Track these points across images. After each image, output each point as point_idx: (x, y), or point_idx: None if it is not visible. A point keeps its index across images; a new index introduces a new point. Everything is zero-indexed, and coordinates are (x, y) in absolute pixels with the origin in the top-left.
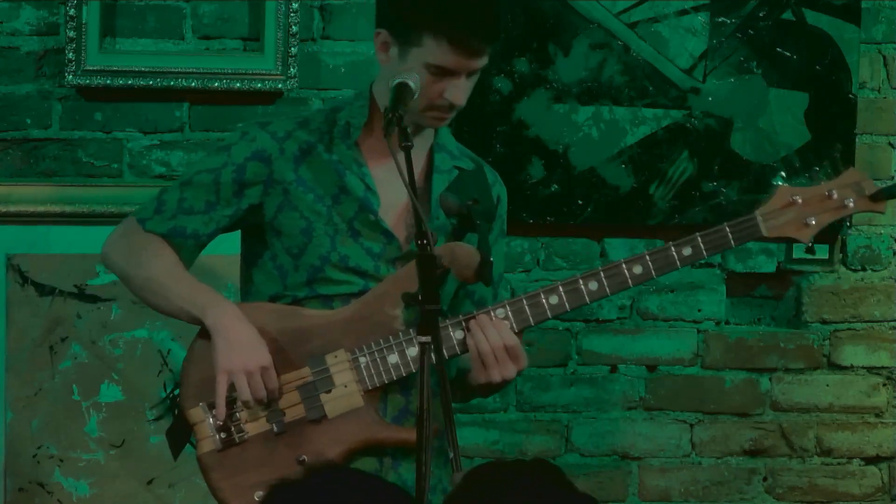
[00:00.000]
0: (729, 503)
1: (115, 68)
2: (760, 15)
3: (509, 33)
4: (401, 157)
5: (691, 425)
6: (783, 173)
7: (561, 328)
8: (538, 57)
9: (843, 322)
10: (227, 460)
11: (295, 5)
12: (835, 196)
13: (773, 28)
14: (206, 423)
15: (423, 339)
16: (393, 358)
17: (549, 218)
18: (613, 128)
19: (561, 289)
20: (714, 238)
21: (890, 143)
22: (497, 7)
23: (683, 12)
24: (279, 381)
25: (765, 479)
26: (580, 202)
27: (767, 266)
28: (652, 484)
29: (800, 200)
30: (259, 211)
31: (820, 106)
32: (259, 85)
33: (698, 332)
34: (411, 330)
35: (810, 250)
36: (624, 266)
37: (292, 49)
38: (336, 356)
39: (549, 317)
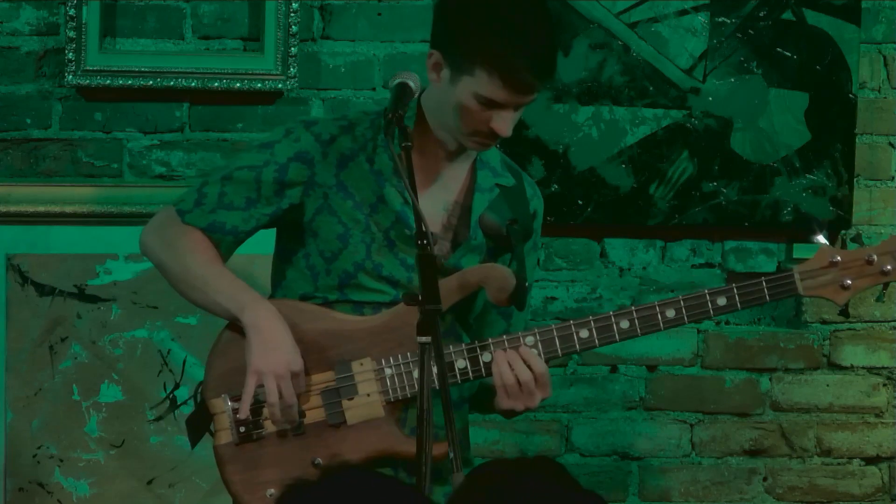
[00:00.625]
0: (729, 503)
1: (115, 68)
2: (760, 15)
3: None
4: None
5: (691, 425)
6: (824, 233)
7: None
8: None
9: (842, 322)
10: (242, 454)
11: (295, 5)
12: (875, 261)
13: (773, 28)
14: (226, 414)
15: (423, 339)
16: (418, 373)
17: (549, 218)
18: (613, 128)
19: (592, 323)
20: (750, 291)
21: (890, 143)
22: (553, 47)
23: (683, 12)
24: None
25: (765, 479)
26: (580, 202)
27: (767, 266)
28: (652, 484)
29: (840, 262)
30: (299, 211)
31: (820, 106)
32: (259, 85)
33: (698, 332)
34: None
35: (844, 313)
36: (658, 308)
37: (292, 49)
38: (362, 364)
39: (578, 350)
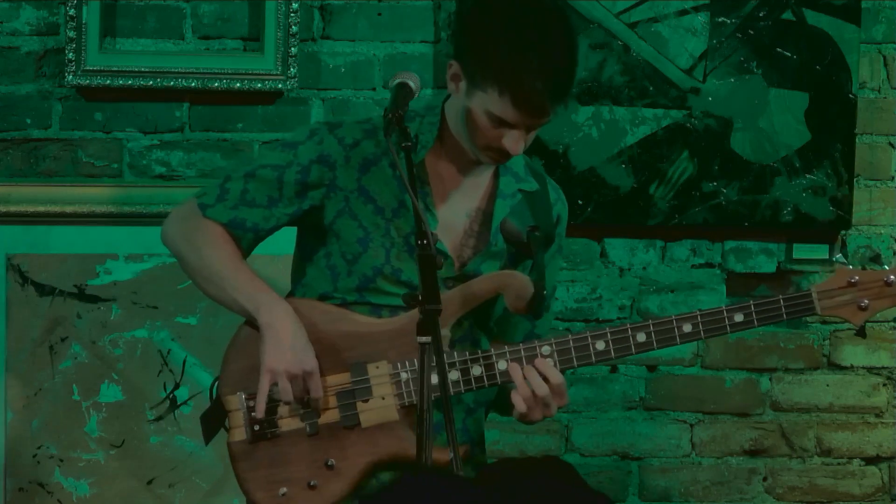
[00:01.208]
0: (729, 503)
1: (115, 68)
2: (760, 15)
3: None
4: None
5: (691, 425)
6: (844, 252)
7: (561, 328)
8: None
9: (843, 322)
10: (256, 452)
11: (295, 5)
12: (893, 282)
13: (773, 28)
14: (241, 411)
15: (423, 339)
16: (434, 378)
17: None
18: (613, 128)
19: (609, 335)
20: (768, 309)
21: (890, 143)
22: (571, 71)
23: (683, 12)
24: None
25: (765, 479)
26: (580, 202)
27: (767, 266)
28: (652, 484)
29: (858, 283)
30: (320, 212)
31: (820, 106)
32: (259, 85)
33: None
34: (455, 353)
35: (861, 333)
36: (675, 323)
37: (292, 49)
38: (378, 367)
39: (594, 362)
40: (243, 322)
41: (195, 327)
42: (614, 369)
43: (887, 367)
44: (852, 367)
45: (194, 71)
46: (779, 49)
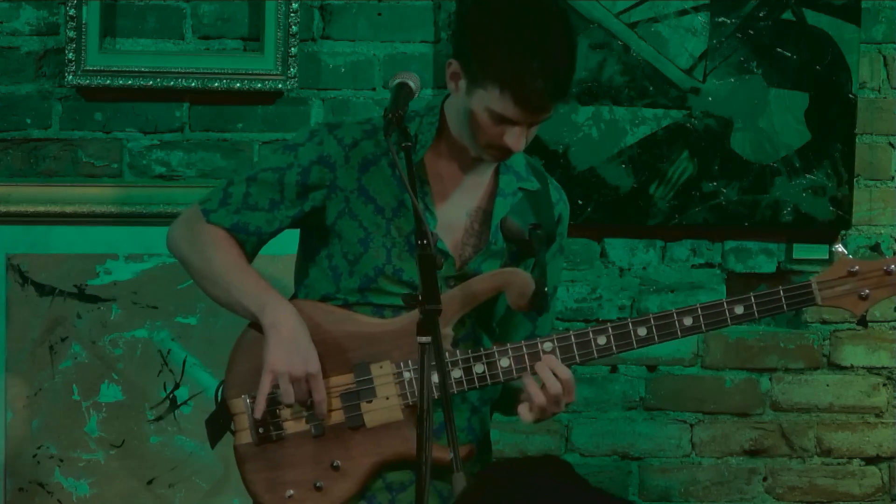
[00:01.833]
0: (729, 503)
1: (115, 68)
2: (760, 15)
3: None
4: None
5: (691, 425)
6: (843, 242)
7: (561, 329)
8: None
9: (843, 322)
10: (262, 455)
11: (295, 5)
12: (893, 271)
13: (773, 28)
14: (246, 414)
15: (423, 339)
16: (437, 377)
17: None
18: (613, 128)
19: (610, 330)
20: (768, 301)
21: (890, 143)
22: (570, 68)
23: (683, 12)
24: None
25: (765, 479)
26: (580, 202)
27: (767, 266)
28: (652, 484)
29: (858, 272)
30: (321, 214)
31: (820, 106)
32: (259, 85)
33: None
34: (457, 351)
35: (862, 322)
36: (675, 316)
37: (292, 49)
38: (381, 367)
39: (595, 357)
40: (249, 324)
41: (195, 327)
42: (614, 369)
43: (887, 367)
44: (852, 367)
45: (194, 71)
46: (779, 49)
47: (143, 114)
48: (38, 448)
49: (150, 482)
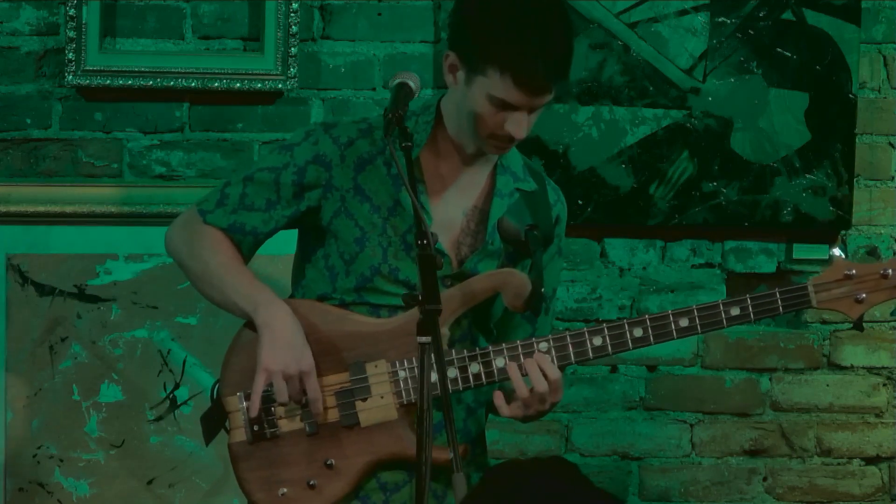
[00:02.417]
0: (729, 503)
1: (115, 68)
2: (760, 15)
3: None
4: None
5: (691, 425)
6: (840, 246)
7: (561, 329)
8: None
9: (843, 322)
10: (256, 453)
11: (295, 5)
12: (890, 275)
13: (773, 28)
14: (240, 413)
15: (423, 339)
16: (433, 376)
17: None
18: (613, 128)
19: (606, 331)
20: (764, 303)
21: (890, 143)
22: (568, 48)
23: (683, 12)
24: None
25: (765, 479)
26: (580, 202)
27: (767, 266)
28: (652, 484)
29: (855, 275)
30: (317, 213)
31: (820, 106)
32: (259, 85)
33: None
34: (453, 350)
35: (858, 326)
36: (671, 317)
37: (292, 49)
38: (377, 366)
39: (591, 357)
40: (244, 324)
41: (195, 327)
42: (614, 369)
43: (887, 367)
44: (852, 367)
45: (194, 71)
46: (779, 49)
47: (143, 114)
48: (38, 448)
49: (150, 482)
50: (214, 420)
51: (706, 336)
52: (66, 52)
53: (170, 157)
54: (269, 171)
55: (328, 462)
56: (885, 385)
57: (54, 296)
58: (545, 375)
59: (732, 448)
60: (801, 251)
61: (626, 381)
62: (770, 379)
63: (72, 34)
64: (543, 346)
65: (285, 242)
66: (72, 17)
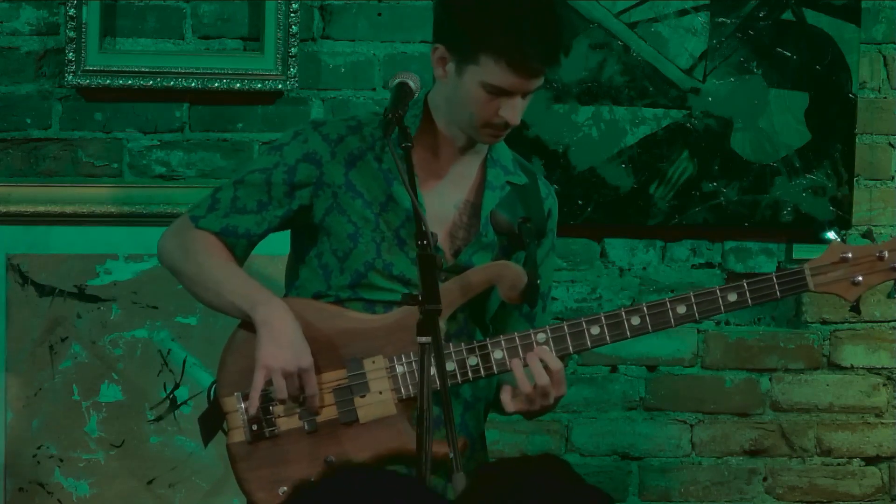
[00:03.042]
0: (729, 503)
1: (115, 68)
2: (760, 15)
3: None
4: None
5: (691, 425)
6: (835, 229)
7: None
8: None
9: (843, 322)
10: (255, 452)
11: (295, 5)
12: (886, 257)
13: (773, 28)
14: (238, 413)
15: (423, 339)
16: (431, 370)
17: None
18: (613, 128)
19: (603, 320)
20: (760, 287)
21: (890, 143)
22: (558, 30)
23: (683, 12)
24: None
25: (765, 479)
26: (580, 202)
27: (768, 266)
28: (652, 484)
29: (851, 258)
30: (309, 212)
31: (820, 106)
32: (259, 85)
33: (698, 332)
34: (450, 344)
35: (855, 309)
36: (669, 305)
37: (292, 49)
38: (374, 362)
39: (590, 347)
40: (239, 324)
41: (195, 327)
42: (614, 369)
43: (887, 367)
44: (852, 367)
45: (194, 71)
46: (779, 49)
47: (143, 114)
48: (38, 448)
49: (150, 482)
50: (212, 421)
51: (706, 336)
52: (66, 52)
53: (170, 157)
54: (260, 172)
55: (328, 459)
56: (885, 385)
57: (54, 296)
58: (547, 367)
59: (732, 448)
60: (801, 251)
61: (626, 381)
62: (770, 379)
63: (72, 34)
64: (541, 336)
65: (285, 243)
66: (72, 17)
